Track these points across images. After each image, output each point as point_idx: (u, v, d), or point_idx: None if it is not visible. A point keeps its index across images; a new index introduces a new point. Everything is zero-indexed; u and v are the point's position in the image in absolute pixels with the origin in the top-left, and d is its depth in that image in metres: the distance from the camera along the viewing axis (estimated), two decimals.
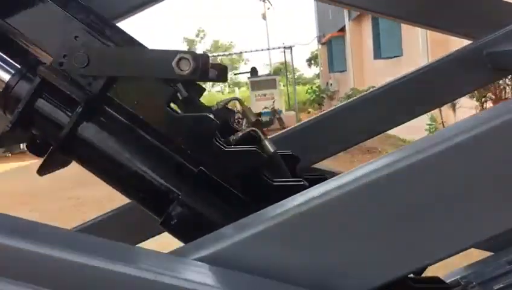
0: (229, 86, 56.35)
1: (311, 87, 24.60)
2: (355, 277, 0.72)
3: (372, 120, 1.81)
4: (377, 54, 13.74)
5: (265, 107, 20.43)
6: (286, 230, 0.72)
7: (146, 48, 1.01)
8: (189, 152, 1.05)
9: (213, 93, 51.81)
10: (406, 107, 1.79)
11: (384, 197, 0.70)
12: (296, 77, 56.08)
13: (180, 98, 1.35)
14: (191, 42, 61.59)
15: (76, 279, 0.64)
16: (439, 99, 1.90)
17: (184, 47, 59.53)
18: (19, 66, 1.02)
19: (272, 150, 1.32)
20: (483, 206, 0.69)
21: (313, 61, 46.13)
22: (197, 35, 61.64)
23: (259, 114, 19.99)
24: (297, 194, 0.77)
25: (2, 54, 1.03)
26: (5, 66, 1.01)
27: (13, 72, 1.00)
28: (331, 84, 22.57)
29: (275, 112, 20.09)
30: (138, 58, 0.97)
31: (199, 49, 59.44)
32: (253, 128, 1.32)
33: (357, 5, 1.93)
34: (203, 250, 0.71)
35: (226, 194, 1.05)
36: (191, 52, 0.96)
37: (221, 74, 1.59)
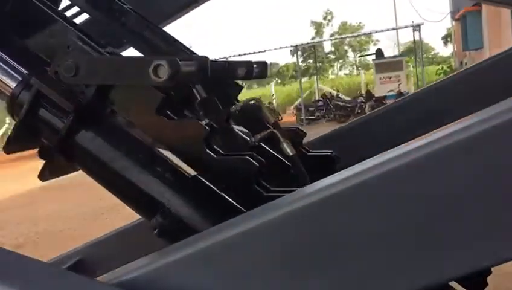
0: (357, 69, 55.00)
1: (442, 68, 22.91)
2: None
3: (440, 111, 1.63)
4: None
5: (391, 90, 19.57)
6: (202, 259, 0.67)
7: (125, 56, 1.00)
8: (181, 159, 1.03)
9: (341, 76, 51.00)
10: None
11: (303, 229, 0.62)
12: (431, 56, 52.84)
13: (199, 99, 1.34)
14: (318, 25, 61.03)
15: None
16: None
17: (311, 31, 59.27)
18: (24, 74, 1.08)
19: (290, 153, 1.25)
20: None
21: (448, 39, 42.85)
22: (325, 18, 60.81)
23: (384, 97, 19.22)
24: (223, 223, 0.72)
25: (11, 62, 1.10)
26: (13, 73, 1.08)
27: (19, 80, 1.06)
28: (465, 64, 20.79)
29: (400, 95, 19.12)
30: (117, 67, 0.97)
31: (326, 33, 58.74)
32: (273, 131, 1.26)
33: None
34: (125, 275, 0.70)
35: (218, 203, 1.02)
36: (167, 59, 0.93)
37: (262, 70, 1.55)
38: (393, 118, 1.63)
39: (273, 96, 27.87)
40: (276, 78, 57.70)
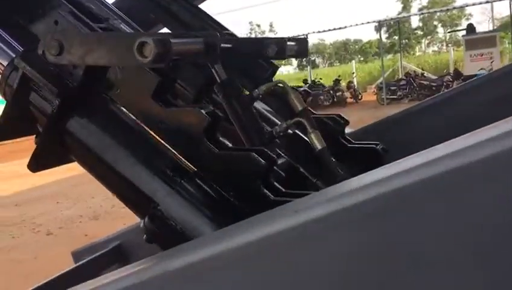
0: (446, 45, 51.96)
1: None
2: None
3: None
4: None
5: (482, 68, 18.16)
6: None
7: (108, 32, 0.86)
8: (179, 152, 0.89)
9: (429, 54, 48.48)
10: None
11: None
12: None
13: (218, 80, 1.18)
14: (405, 0, 58.17)
15: None
16: None
17: (398, 6, 56.65)
18: (17, 52, 0.98)
19: (319, 146, 1.06)
20: None
21: None
22: None
23: (474, 76, 17.90)
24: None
25: (8, 38, 1.00)
26: (7, 51, 0.99)
27: (10, 59, 0.97)
28: None
29: None
30: (98, 45, 0.83)
31: (414, 7, 55.92)
32: (299, 120, 1.08)
33: None
34: None
35: (217, 206, 0.87)
36: (154, 36, 0.78)
37: (300, 49, 1.36)
38: (458, 104, 1.37)
39: (354, 75, 27.01)
40: (359, 56, 56.06)
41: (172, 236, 0.85)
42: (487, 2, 21.88)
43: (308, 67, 29.10)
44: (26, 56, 0.92)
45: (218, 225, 0.86)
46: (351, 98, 22.47)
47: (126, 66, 0.88)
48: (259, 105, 1.35)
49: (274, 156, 0.90)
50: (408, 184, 0.55)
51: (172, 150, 0.92)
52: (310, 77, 25.35)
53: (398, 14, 47.31)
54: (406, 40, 49.57)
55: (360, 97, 22.79)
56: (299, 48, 1.37)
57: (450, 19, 54.53)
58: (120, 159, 0.91)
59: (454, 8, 36.00)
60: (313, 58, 54.31)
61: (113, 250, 1.90)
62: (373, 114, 15.12)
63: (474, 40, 19.43)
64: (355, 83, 24.72)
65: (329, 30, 23.08)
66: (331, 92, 21.82)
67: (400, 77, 22.91)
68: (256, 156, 0.85)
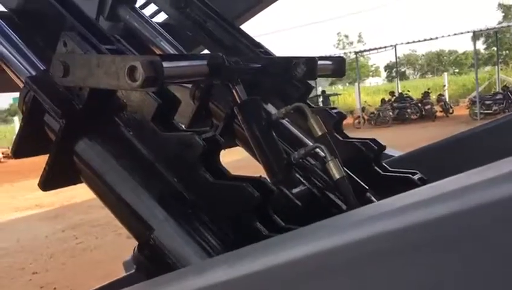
0: None
1: None
2: None
3: None
4: None
5: None
6: None
7: (103, 55, 0.84)
8: (177, 181, 0.86)
9: None
10: None
11: None
12: None
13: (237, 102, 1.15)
14: (507, 9, 54.59)
15: None
16: None
17: (499, 15, 53.28)
18: (38, 71, 1.01)
19: (337, 175, 0.98)
20: None
21: None
22: None
23: None
24: None
25: (33, 56, 1.03)
26: (29, 68, 1.02)
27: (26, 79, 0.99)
28: None
29: None
30: (93, 67, 0.83)
31: None
32: (319, 145, 1.01)
33: None
34: None
35: (211, 231, 0.83)
36: (143, 59, 0.76)
37: (338, 68, 1.28)
38: (502, 135, 1.21)
39: (445, 87, 25.69)
40: (453, 67, 53.33)
41: (158, 268, 0.81)
42: None
43: (396, 78, 28.13)
44: (36, 77, 0.94)
45: (208, 255, 0.82)
46: (441, 112, 21.36)
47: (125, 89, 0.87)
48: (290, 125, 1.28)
49: (273, 187, 0.84)
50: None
51: (170, 176, 0.88)
52: (398, 89, 24.51)
53: (498, 23, 44.46)
54: (506, 52, 46.41)
55: (451, 111, 21.59)
56: (335, 67, 1.29)
57: None
58: (120, 182, 0.89)
59: None
60: (403, 70, 52.53)
61: None
62: (463, 129, 14.23)
63: None
64: (446, 96, 23.50)
65: (420, 41, 22.16)
66: (419, 105, 20.91)
67: (497, 90, 21.42)
68: (251, 187, 0.79)
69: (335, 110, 1.28)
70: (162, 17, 1.74)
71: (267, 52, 1.36)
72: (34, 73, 1.01)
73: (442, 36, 21.42)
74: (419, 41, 22.14)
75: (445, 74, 34.28)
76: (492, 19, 51.88)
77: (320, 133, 1.03)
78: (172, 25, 1.61)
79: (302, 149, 1.05)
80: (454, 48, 55.85)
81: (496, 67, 25.54)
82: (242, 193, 0.80)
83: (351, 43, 53.75)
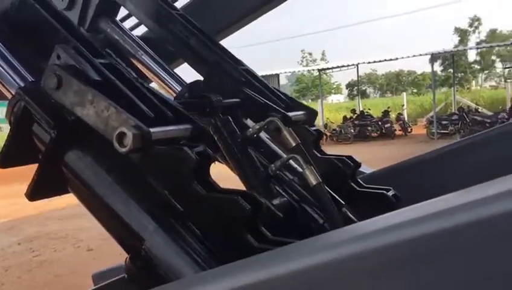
0: (504, 81, 50.23)
1: None
2: None
3: None
4: None
5: None
6: None
7: (104, 98, 0.86)
8: (168, 193, 0.89)
9: (485, 89, 46.97)
10: None
11: None
12: None
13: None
14: (463, 33, 56.92)
15: None
16: None
17: (455, 39, 55.44)
18: (26, 82, 1.01)
19: (313, 181, 1.04)
20: None
21: None
22: (471, 25, 56.49)
23: None
24: None
25: (20, 68, 1.04)
26: (17, 79, 1.02)
27: (15, 90, 1.00)
28: None
29: None
30: (89, 103, 0.85)
31: (472, 41, 54.58)
32: (294, 156, 1.06)
33: None
34: None
35: (202, 243, 0.86)
36: (134, 127, 0.79)
37: (310, 118, 1.35)
38: (477, 153, 1.30)
39: (404, 107, 26.49)
40: (412, 87, 55.04)
41: (150, 278, 0.83)
42: None
43: (358, 97, 28.81)
44: (28, 87, 0.95)
45: (200, 267, 0.84)
46: (400, 130, 22.00)
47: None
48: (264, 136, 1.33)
49: (262, 200, 0.88)
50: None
51: (161, 189, 0.91)
52: (359, 107, 25.08)
53: (455, 46, 46.31)
54: (462, 74, 48.27)
55: (409, 130, 22.26)
56: (307, 118, 1.36)
57: (509, 54, 52.79)
58: (111, 194, 0.91)
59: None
60: (364, 88, 53.79)
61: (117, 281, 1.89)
62: (421, 148, 14.71)
63: None
64: (405, 115, 24.21)
65: (381, 61, 22.82)
66: (379, 123, 21.46)
67: (453, 111, 22.27)
68: (242, 200, 0.83)
69: (313, 128, 1.34)
70: (142, 29, 1.76)
71: (248, 71, 1.41)
72: (22, 84, 1.02)
73: (402, 57, 22.15)
74: (380, 61, 22.82)
75: (404, 93, 35.37)
76: (449, 42, 54.07)
77: (294, 144, 1.08)
78: (152, 37, 1.63)
79: (278, 161, 1.09)
80: (412, 69, 57.80)
81: (452, 88, 26.57)
82: (234, 205, 0.83)
83: (315, 60, 54.78)
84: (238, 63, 1.43)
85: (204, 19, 1.55)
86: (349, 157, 1.29)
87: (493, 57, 55.28)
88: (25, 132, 0.97)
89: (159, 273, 0.84)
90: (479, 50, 47.71)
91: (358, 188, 1.27)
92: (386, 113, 22.13)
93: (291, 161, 1.09)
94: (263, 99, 1.29)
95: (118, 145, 0.81)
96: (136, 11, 1.51)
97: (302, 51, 57.77)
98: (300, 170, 1.05)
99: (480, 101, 25.22)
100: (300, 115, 1.33)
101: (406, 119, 23.50)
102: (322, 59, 56.04)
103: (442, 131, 19.57)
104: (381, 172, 1.41)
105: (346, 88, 55.74)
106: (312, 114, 1.38)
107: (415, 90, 51.84)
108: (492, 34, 54.98)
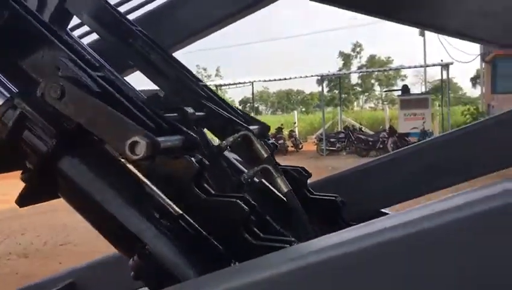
0: (382, 103, 54.71)
1: (468, 109, 22.58)
2: None
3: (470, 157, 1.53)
4: None
5: (414, 128, 19.33)
6: None
7: (110, 110, 0.92)
8: (168, 197, 0.96)
9: (366, 110, 50.79)
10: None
11: None
12: (458, 96, 52.19)
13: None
14: (346, 57, 61.14)
15: None
16: None
17: (339, 62, 59.36)
18: (13, 93, 1.02)
19: (285, 189, 1.17)
20: None
21: (477, 80, 42.44)
22: (353, 50, 60.95)
23: (407, 134, 18.97)
24: None
25: (2, 78, 1.04)
26: (1, 90, 1.03)
27: (6, 98, 1.01)
28: (493, 107, 20.44)
29: (424, 133, 18.85)
30: (100, 118, 0.91)
31: (354, 65, 58.81)
32: (265, 166, 1.18)
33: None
34: None
35: (202, 247, 0.94)
36: (146, 137, 0.86)
37: (263, 132, 1.49)
38: (411, 163, 1.53)
39: (295, 124, 27.81)
40: (301, 106, 57.78)
41: (158, 273, 0.90)
42: (421, 66, 23.53)
43: (252, 113, 29.60)
44: (26, 96, 0.97)
45: (201, 266, 0.93)
46: (292, 146, 23.04)
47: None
48: (230, 155, 1.44)
49: (254, 203, 0.99)
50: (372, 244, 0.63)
51: (159, 194, 0.98)
52: None
53: (339, 69, 49.65)
54: (346, 95, 51.75)
55: (300, 146, 23.41)
56: (262, 132, 1.50)
57: (386, 79, 57.78)
58: (110, 200, 0.96)
59: (391, 69, 38.30)
60: (256, 105, 55.23)
61: (65, 288, 1.87)
62: (313, 163, 15.57)
63: (409, 100, 20.72)
64: (296, 133, 25.41)
65: (275, 80, 23.81)
66: (273, 139, 22.27)
67: (339, 129, 23.84)
68: (241, 203, 0.94)
69: (270, 141, 1.47)
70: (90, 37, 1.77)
71: (207, 86, 1.51)
72: (7, 94, 1.03)
73: (295, 77, 23.37)
74: (275, 80, 23.80)
75: (295, 111, 37.07)
76: (335, 65, 57.87)
77: (265, 155, 1.21)
78: (103, 45, 1.66)
79: (251, 170, 1.21)
80: (301, 89, 60.84)
81: (339, 108, 28.47)
82: (234, 207, 0.93)
83: (209, 76, 55.28)
84: (197, 79, 1.53)
85: (154, 32, 1.63)
86: (302, 168, 1.45)
87: (372, 81, 60.05)
88: (17, 139, 0.99)
89: (164, 271, 0.91)
90: (360, 74, 51.67)
91: (311, 195, 1.43)
92: (279, 130, 23.05)
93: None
94: (226, 113, 1.40)
95: (130, 154, 0.87)
96: (93, 24, 1.54)
97: (197, 65, 58.01)
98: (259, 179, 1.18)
99: (363, 121, 27.29)
100: (256, 128, 1.46)
101: (297, 136, 24.66)
102: (216, 75, 56.76)
103: (330, 148, 20.87)
104: (324, 181, 1.58)
105: (240, 104, 56.92)
106: (265, 128, 1.51)
107: (303, 109, 54.55)
108: (372, 60, 59.80)
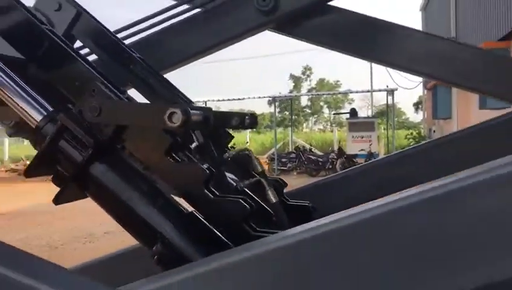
0: (330, 125, 56.19)
1: (411, 133, 23.78)
2: None
3: (412, 175, 1.83)
4: (483, 104, 13.00)
5: (362, 149, 20.13)
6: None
7: (144, 103, 1.16)
8: (181, 196, 1.18)
9: (315, 131, 51.93)
10: (447, 167, 1.78)
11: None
12: (401, 120, 54.66)
13: (197, 143, 1.51)
14: (297, 79, 62.53)
15: None
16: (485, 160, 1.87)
17: (290, 84, 60.62)
18: (50, 110, 1.22)
19: (273, 200, 1.42)
20: None
21: (420, 106, 44.63)
22: (303, 73, 62.46)
23: (355, 156, 19.73)
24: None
25: (38, 97, 1.24)
26: (39, 108, 1.23)
27: (44, 114, 1.21)
28: (434, 131, 21.65)
29: (371, 155, 19.68)
30: (138, 111, 1.13)
31: (304, 87, 60.23)
32: (259, 179, 1.43)
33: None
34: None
35: (211, 238, 1.16)
36: (180, 107, 1.09)
37: (253, 121, 1.73)
38: (366, 178, 1.82)
39: (247, 144, 28.20)
40: None
41: (175, 259, 1.12)
42: (368, 91, 24.64)
43: None
44: (69, 113, 1.18)
45: (209, 253, 1.15)
46: None
47: (146, 128, 1.17)
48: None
49: (252, 203, 1.23)
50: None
51: (172, 195, 1.20)
52: None
53: (290, 92, 50.76)
54: (296, 116, 52.81)
55: None
56: (252, 121, 1.74)
57: (334, 102, 59.52)
58: (134, 200, 1.17)
59: (340, 92, 39.63)
60: None
61: None
62: None
63: (356, 123, 21.60)
64: None
65: (228, 100, 24.20)
66: None
67: (290, 150, 24.41)
68: (243, 202, 1.17)
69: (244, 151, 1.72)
70: None
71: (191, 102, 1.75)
72: (43, 110, 1.23)
73: (248, 97, 23.85)
74: (228, 100, 24.18)
75: (247, 131, 37.51)
76: (286, 87, 59.16)
77: (260, 169, 1.46)
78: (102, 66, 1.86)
79: (247, 181, 1.45)
80: (252, 109, 61.56)
81: (290, 129, 29.16)
82: (237, 205, 1.17)
83: None
84: (188, 99, 1.76)
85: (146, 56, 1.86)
86: (280, 179, 1.70)
87: (321, 103, 61.66)
88: (54, 148, 1.19)
89: (180, 257, 1.13)
90: (310, 96, 53.03)
91: (287, 202, 1.68)
92: (231, 149, 23.28)
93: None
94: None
95: (169, 122, 1.07)
96: (97, 50, 1.75)
97: None
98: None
99: (312, 142, 28.04)
100: (248, 117, 1.68)
101: None
102: None
103: (281, 167, 21.32)
104: (299, 190, 1.84)
105: None
106: (255, 117, 1.73)
107: (255, 129, 55.12)
108: (321, 83, 61.48)
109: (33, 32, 1.25)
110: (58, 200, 1.18)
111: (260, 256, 0.89)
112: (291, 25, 1.98)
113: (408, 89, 25.37)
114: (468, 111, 17.17)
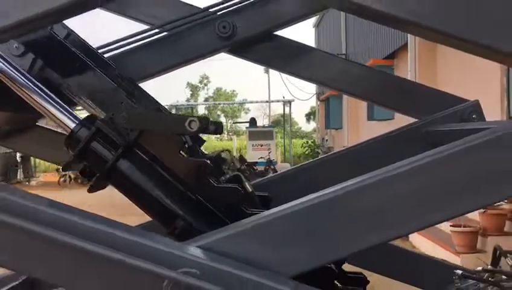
0: (227, 134, 57.12)
1: (307, 142, 25.27)
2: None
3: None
4: (371, 116, 14.37)
5: (261, 157, 20.98)
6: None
7: (167, 112, 1.49)
8: (191, 186, 1.52)
9: (212, 139, 52.32)
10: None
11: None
12: (294, 130, 57.25)
13: (187, 146, 1.86)
14: (194, 88, 62.61)
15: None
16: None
17: (187, 92, 60.48)
18: (80, 118, 1.51)
19: (250, 189, 1.81)
20: None
21: (312, 116, 47.12)
22: (201, 82, 62.79)
23: (255, 163, 20.53)
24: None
25: (68, 108, 1.52)
26: (72, 117, 1.50)
27: (77, 121, 1.49)
28: (327, 140, 23.24)
29: (270, 162, 20.62)
30: (162, 119, 1.46)
31: (201, 96, 60.48)
32: (237, 173, 1.81)
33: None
34: (199, 241, 1.19)
35: (214, 216, 1.52)
36: (198, 117, 1.45)
37: (218, 128, 2.10)
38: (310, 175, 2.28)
39: None
40: None
41: (192, 231, 1.46)
42: (267, 102, 25.75)
43: None
44: (104, 121, 1.47)
45: (215, 223, 1.50)
46: None
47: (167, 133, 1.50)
48: None
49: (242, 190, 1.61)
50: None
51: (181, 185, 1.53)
52: None
53: (187, 100, 50.86)
54: None
55: None
56: (217, 128, 2.12)
57: (231, 111, 60.57)
58: (155, 189, 1.49)
59: (239, 102, 40.59)
60: None
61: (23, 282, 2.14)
62: None
63: (256, 132, 22.47)
64: None
65: None
66: None
67: None
68: (239, 188, 1.55)
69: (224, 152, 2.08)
70: None
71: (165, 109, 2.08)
72: (75, 120, 1.51)
73: None
74: None
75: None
76: (183, 95, 59.12)
77: (239, 166, 1.83)
78: None
79: (228, 174, 1.82)
80: None
81: None
82: (235, 191, 1.53)
83: None
84: (163, 107, 2.09)
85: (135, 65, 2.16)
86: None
87: (218, 112, 62.36)
88: (87, 148, 1.47)
89: (194, 231, 1.48)
90: (207, 105, 53.54)
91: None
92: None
93: None
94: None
95: (189, 128, 1.41)
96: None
97: None
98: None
99: (212, 150, 28.47)
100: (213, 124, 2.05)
101: None
102: None
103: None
104: (255, 184, 2.24)
105: None
106: (220, 125, 2.10)
107: None
108: (218, 92, 62.23)
109: (67, 55, 1.53)
110: (91, 189, 1.47)
111: (269, 222, 1.24)
112: (243, 49, 2.39)
113: (303, 100, 26.88)
114: (358, 122, 18.74)
